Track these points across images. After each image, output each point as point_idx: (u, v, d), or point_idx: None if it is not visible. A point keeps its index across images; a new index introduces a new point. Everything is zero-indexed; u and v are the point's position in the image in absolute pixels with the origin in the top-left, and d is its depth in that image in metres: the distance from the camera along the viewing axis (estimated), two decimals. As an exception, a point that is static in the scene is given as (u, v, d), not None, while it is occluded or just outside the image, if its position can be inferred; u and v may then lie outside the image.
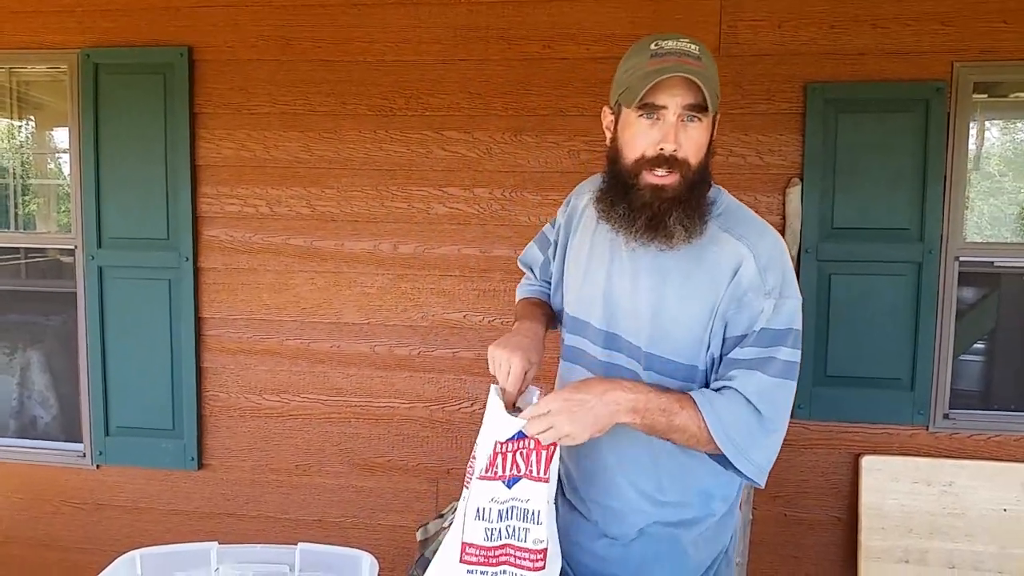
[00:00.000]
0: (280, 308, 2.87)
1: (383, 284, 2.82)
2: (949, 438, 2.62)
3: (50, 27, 2.88)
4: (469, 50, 2.70)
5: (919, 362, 2.57)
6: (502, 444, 1.31)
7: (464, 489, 1.36)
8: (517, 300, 1.72)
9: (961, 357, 2.68)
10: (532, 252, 1.72)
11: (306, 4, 2.75)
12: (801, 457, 2.67)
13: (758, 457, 1.28)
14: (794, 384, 1.29)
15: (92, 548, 3.02)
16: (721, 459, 1.30)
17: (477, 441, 1.33)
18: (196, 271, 2.88)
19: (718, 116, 1.32)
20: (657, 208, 1.26)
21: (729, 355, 1.29)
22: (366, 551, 1.82)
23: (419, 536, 1.59)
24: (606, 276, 1.40)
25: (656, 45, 1.27)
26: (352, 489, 2.90)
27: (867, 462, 2.60)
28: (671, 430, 1.26)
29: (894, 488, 2.58)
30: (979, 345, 2.74)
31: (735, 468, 1.29)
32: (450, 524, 1.42)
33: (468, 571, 1.34)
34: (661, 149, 1.26)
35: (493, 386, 1.35)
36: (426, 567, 1.53)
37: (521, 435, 1.31)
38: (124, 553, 1.79)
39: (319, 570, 1.83)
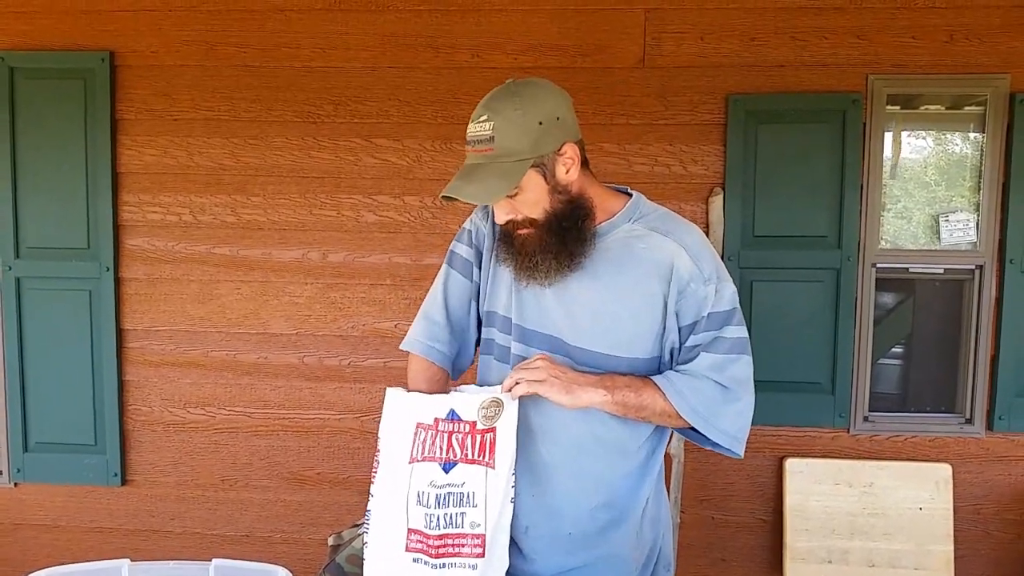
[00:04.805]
0: (205, 319, 2.81)
1: (312, 294, 2.79)
2: (869, 440, 2.69)
3: (-39, 28, 2.78)
4: (397, 58, 2.69)
5: (839, 366, 2.64)
6: (442, 422, 1.37)
7: (376, 484, 1.38)
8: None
9: (880, 361, 2.75)
10: (432, 314, 1.55)
11: (231, 9, 2.71)
12: (727, 461, 2.70)
13: (726, 425, 1.38)
14: (748, 357, 1.40)
15: (9, 570, 2.90)
16: (696, 435, 1.40)
17: (383, 436, 1.38)
18: (117, 281, 2.80)
19: (564, 147, 1.33)
20: (526, 254, 1.37)
21: (685, 343, 1.39)
22: (284, 566, 1.79)
23: (331, 542, 1.59)
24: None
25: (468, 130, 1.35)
26: (281, 504, 2.84)
27: (791, 465, 2.66)
28: (642, 407, 1.35)
29: (817, 490, 2.64)
30: (896, 349, 2.82)
31: (709, 441, 1.39)
32: (365, 531, 1.40)
33: (414, 559, 1.35)
34: (503, 224, 1.40)
35: (392, 388, 1.43)
36: (337, 573, 1.51)
37: (455, 416, 1.36)
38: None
39: (234, 586, 1.80)
